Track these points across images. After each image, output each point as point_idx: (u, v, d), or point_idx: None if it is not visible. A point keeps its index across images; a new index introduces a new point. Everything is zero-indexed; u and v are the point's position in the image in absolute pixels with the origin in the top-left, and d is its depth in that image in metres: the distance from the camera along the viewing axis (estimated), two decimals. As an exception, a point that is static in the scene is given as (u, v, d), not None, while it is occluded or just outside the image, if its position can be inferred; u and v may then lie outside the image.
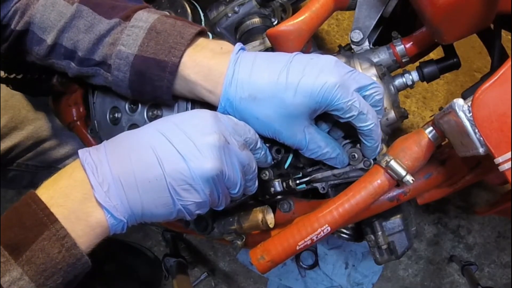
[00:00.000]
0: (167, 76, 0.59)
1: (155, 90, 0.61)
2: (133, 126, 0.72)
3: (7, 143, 0.85)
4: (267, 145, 0.65)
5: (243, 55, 0.59)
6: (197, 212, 0.54)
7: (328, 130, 0.66)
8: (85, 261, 0.50)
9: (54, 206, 0.49)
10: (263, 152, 0.63)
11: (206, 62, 0.59)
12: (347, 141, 0.68)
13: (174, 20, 0.61)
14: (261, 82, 0.57)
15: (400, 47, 0.69)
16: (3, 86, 0.83)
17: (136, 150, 0.52)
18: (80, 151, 0.53)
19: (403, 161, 0.58)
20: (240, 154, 0.56)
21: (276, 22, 0.77)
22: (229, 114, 0.60)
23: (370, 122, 0.58)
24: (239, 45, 0.61)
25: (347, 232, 0.84)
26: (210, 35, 0.75)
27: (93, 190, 0.50)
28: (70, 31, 0.62)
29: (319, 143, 0.61)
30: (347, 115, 0.57)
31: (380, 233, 0.74)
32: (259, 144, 0.61)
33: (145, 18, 0.61)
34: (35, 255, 0.47)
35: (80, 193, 0.50)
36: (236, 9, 0.76)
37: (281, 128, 0.59)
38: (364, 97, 0.59)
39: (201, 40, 0.62)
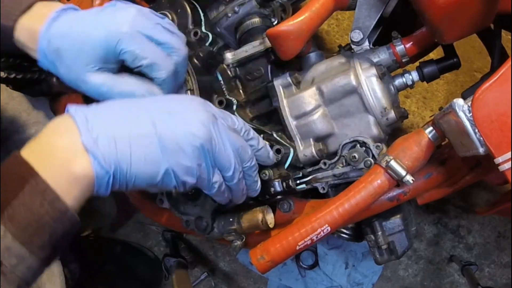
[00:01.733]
0: (5, 36, 0.62)
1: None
2: (133, 126, 0.72)
3: (8, 147, 0.85)
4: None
5: (64, 15, 0.62)
6: (184, 178, 0.54)
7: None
8: (71, 215, 0.48)
9: (36, 158, 0.48)
10: (261, 145, 0.64)
11: (30, 23, 0.62)
12: (348, 141, 0.68)
13: None
14: (62, 31, 0.60)
15: (400, 47, 0.69)
16: (3, 89, 0.83)
17: (130, 109, 0.54)
18: (69, 105, 0.53)
19: (403, 161, 0.58)
20: (230, 134, 0.58)
21: (276, 22, 0.77)
22: (49, 68, 0.64)
23: (164, 71, 0.61)
24: (63, 6, 0.64)
25: (347, 232, 0.84)
26: (210, 35, 0.75)
27: (81, 135, 0.49)
28: None
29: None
30: (137, 64, 0.60)
31: (380, 233, 0.74)
32: (251, 134, 0.63)
33: None
34: (17, 211, 0.45)
35: (65, 141, 0.49)
36: (236, 9, 0.75)
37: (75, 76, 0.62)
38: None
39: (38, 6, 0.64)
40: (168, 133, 0.52)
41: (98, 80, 0.62)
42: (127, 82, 0.63)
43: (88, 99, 0.80)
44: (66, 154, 0.49)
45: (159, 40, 0.61)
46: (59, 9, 0.62)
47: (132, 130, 0.51)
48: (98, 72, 0.62)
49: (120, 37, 0.58)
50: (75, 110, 0.52)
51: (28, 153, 0.48)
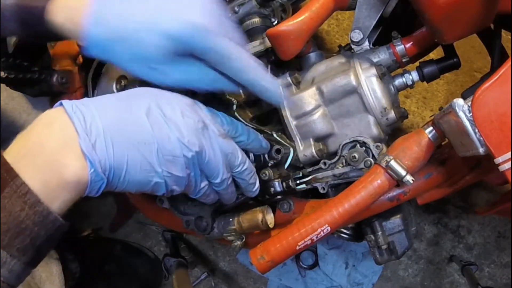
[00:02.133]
0: (39, 22, 0.58)
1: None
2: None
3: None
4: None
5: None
6: (173, 187, 0.54)
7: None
8: (53, 218, 0.46)
9: (23, 157, 0.45)
10: (251, 139, 0.63)
11: (72, 5, 0.56)
12: (348, 141, 0.68)
13: None
14: (117, 23, 0.53)
15: (400, 47, 0.69)
16: (3, 89, 0.83)
17: (129, 112, 0.51)
18: (63, 101, 0.50)
19: (403, 161, 0.58)
20: (221, 141, 0.57)
21: (276, 22, 0.77)
22: (97, 56, 0.57)
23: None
24: None
25: (347, 232, 0.84)
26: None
27: (79, 137, 0.46)
28: None
29: (194, 77, 0.58)
30: (222, 67, 0.56)
31: (380, 233, 0.74)
32: (239, 130, 0.62)
33: None
34: None
35: (58, 141, 0.46)
36: (236, 9, 0.75)
37: (142, 70, 0.56)
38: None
39: None
40: (164, 142, 0.51)
41: (182, 76, 0.57)
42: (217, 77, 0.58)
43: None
44: (58, 155, 0.46)
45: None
46: None
47: (131, 135, 0.50)
48: (180, 65, 0.56)
49: (201, 32, 0.52)
50: (71, 107, 0.49)
51: (15, 151, 0.46)
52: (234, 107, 0.74)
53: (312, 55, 0.73)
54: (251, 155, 0.68)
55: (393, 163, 0.58)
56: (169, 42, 0.52)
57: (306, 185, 0.70)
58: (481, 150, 0.49)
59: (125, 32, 0.53)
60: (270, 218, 0.69)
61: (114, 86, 0.73)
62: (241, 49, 0.56)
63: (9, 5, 0.58)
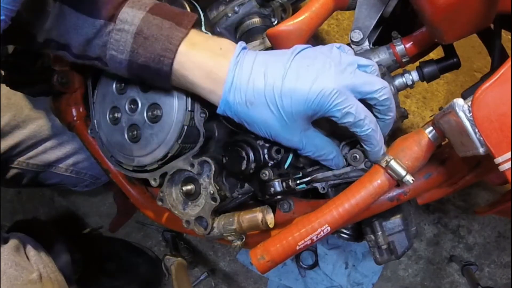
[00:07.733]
0: (162, 79, 0.61)
1: (155, 83, 0.64)
2: (133, 126, 0.72)
3: (9, 141, 0.85)
4: (267, 145, 0.66)
5: (243, 59, 0.60)
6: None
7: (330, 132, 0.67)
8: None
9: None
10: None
11: (205, 62, 0.59)
12: (348, 141, 0.68)
13: (161, 20, 0.60)
14: (258, 87, 0.58)
15: (400, 47, 0.69)
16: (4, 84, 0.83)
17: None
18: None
19: (403, 161, 0.58)
20: None
21: (276, 22, 0.77)
22: (228, 116, 0.62)
23: (367, 128, 0.58)
24: (240, 45, 0.61)
25: (347, 232, 0.84)
26: (205, 30, 0.75)
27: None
28: (59, 29, 0.61)
29: (316, 146, 0.63)
30: (343, 121, 0.58)
31: (380, 233, 0.74)
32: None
33: (130, 19, 0.60)
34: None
35: None
36: (236, 9, 0.76)
37: (277, 132, 0.60)
38: (371, 99, 0.59)
39: (196, 37, 0.61)
40: None
41: (305, 138, 0.62)
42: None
43: (87, 98, 0.80)
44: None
45: (362, 92, 0.58)
46: (240, 49, 0.61)
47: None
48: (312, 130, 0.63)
49: (331, 94, 0.55)
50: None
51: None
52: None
53: (312, 55, 0.73)
54: (251, 154, 0.68)
55: (393, 163, 0.58)
56: (308, 109, 0.57)
57: (306, 185, 0.70)
58: (481, 150, 0.49)
59: (258, 99, 0.58)
60: (270, 218, 0.69)
61: (114, 86, 0.73)
62: (366, 112, 0.58)
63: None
